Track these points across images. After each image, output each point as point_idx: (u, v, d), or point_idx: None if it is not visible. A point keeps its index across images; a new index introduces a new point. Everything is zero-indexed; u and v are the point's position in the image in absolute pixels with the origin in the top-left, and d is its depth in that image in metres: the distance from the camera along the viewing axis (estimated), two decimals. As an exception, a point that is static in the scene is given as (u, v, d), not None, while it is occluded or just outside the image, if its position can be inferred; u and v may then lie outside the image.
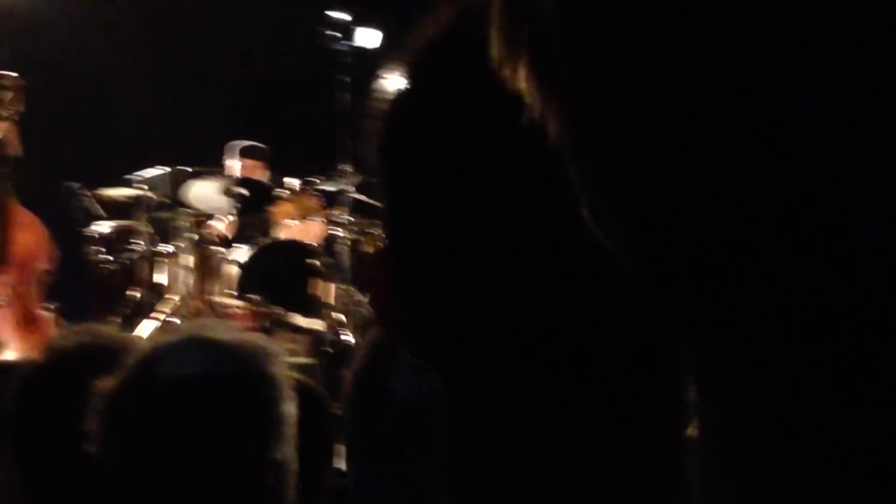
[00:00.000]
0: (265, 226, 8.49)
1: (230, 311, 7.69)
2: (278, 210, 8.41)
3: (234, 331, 1.78)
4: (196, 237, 8.14)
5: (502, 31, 0.60)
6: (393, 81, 0.91)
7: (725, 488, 0.55)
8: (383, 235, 0.89)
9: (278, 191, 8.54)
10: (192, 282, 7.94)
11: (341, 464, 2.14)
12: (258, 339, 1.79)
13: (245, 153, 8.95)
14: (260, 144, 9.01)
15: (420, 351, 0.88)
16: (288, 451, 1.73)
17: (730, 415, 0.54)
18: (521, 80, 0.58)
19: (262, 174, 8.89)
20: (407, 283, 0.85)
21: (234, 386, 1.68)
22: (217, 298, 7.89)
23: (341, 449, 2.20)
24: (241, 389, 1.68)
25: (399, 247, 0.87)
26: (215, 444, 1.66)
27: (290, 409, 1.72)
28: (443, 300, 0.83)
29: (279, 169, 9.09)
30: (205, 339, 1.72)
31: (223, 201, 8.31)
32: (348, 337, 7.66)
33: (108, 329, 2.23)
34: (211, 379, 1.68)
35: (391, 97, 0.90)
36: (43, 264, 7.62)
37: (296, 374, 2.49)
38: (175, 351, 1.70)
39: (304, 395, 2.40)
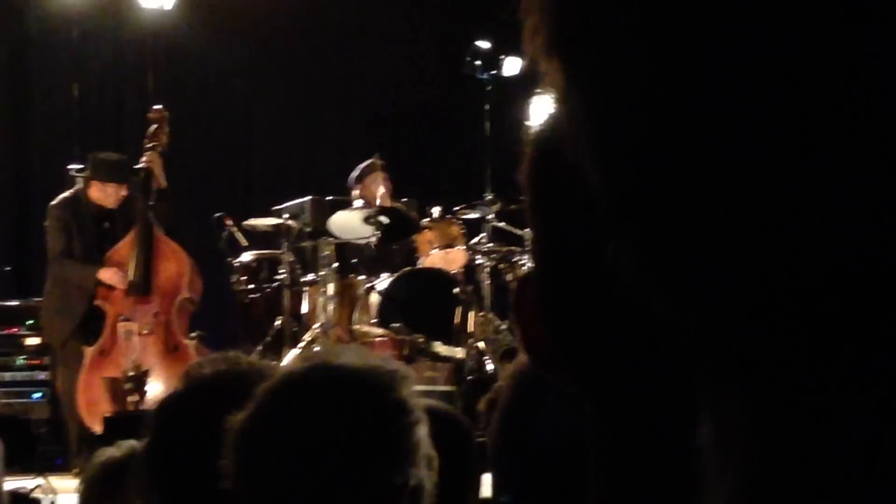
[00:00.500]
0: (407, 254, 8.51)
1: (371, 339, 7.72)
2: (421, 238, 8.43)
3: (363, 355, 1.75)
4: (338, 266, 8.20)
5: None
6: (540, 109, 0.91)
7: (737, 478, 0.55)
8: (530, 261, 0.90)
9: (421, 219, 8.55)
10: (333, 310, 7.98)
11: (487, 492, 2.10)
12: (387, 363, 1.75)
13: (360, 178, 8.81)
14: (370, 160, 8.85)
15: (566, 377, 0.87)
16: (423, 473, 1.69)
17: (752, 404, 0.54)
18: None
19: (385, 186, 8.73)
20: (554, 308, 0.84)
21: (363, 413, 1.65)
22: (358, 327, 7.93)
23: (487, 478, 2.17)
24: (369, 416, 1.65)
25: (546, 272, 0.85)
26: (348, 473, 1.63)
27: (421, 432, 1.68)
28: (590, 325, 0.82)
29: (422, 197, 9.11)
30: (333, 366, 1.70)
31: (366, 230, 8.35)
32: (489, 365, 7.63)
33: (246, 357, 2.21)
34: (340, 407, 1.65)
35: (539, 125, 0.91)
36: (187, 293, 7.77)
37: (440, 403, 2.46)
38: (303, 380, 1.68)
39: (448, 423, 2.36)
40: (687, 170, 0.52)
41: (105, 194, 7.75)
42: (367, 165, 8.75)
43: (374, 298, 7.96)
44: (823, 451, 0.51)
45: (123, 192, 7.79)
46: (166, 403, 2.12)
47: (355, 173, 8.78)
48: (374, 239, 8.44)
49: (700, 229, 0.53)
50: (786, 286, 0.50)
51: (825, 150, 0.49)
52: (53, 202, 7.83)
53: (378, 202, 8.49)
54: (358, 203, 8.60)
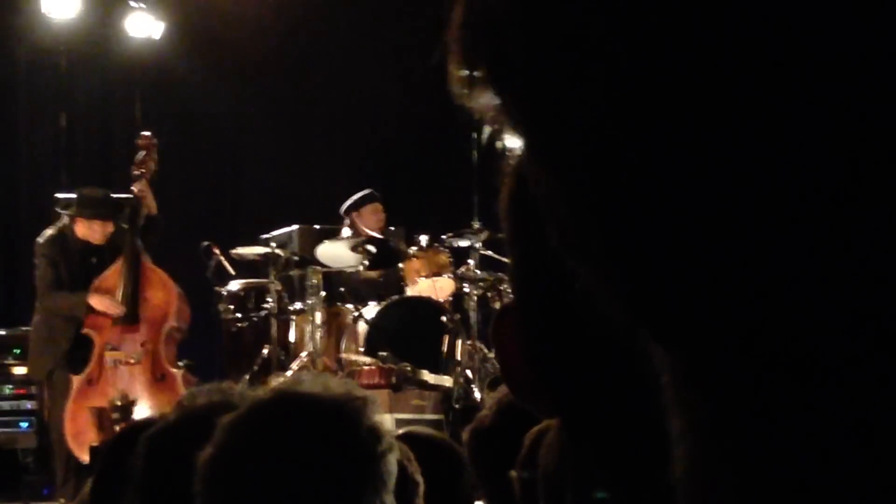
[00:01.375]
0: (395, 282, 8.52)
1: (359, 367, 7.71)
2: (408, 266, 8.43)
3: (329, 384, 1.75)
4: (325, 294, 8.20)
5: (461, 54, 0.62)
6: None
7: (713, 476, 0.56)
8: (510, 291, 0.89)
9: (408, 248, 8.57)
10: (320, 339, 7.98)
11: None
12: (354, 390, 1.75)
13: (358, 205, 8.86)
14: (367, 191, 8.92)
15: (544, 407, 0.88)
16: (389, 499, 1.68)
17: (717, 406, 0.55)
18: (479, 102, 0.61)
19: (380, 218, 8.81)
20: (532, 338, 0.85)
21: (332, 442, 1.65)
22: (346, 355, 7.92)
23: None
24: (338, 444, 1.65)
25: (524, 302, 0.86)
26: (319, 503, 1.62)
27: (393, 459, 1.68)
28: (566, 355, 0.83)
29: (410, 225, 9.13)
30: (298, 395, 1.69)
31: (353, 258, 8.36)
32: (477, 393, 7.62)
33: (238, 387, 2.22)
34: (307, 437, 1.64)
35: (518, 154, 0.91)
36: (174, 322, 7.75)
37: (429, 430, 2.47)
38: (268, 411, 1.67)
39: (437, 449, 2.37)
40: (641, 198, 0.54)
41: (91, 231, 7.70)
42: (364, 197, 8.79)
43: (362, 327, 7.96)
44: (784, 473, 0.53)
45: (110, 229, 7.74)
46: (158, 433, 2.12)
47: (349, 203, 8.81)
48: (361, 268, 8.45)
49: (654, 256, 0.55)
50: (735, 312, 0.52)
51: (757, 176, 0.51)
52: (40, 239, 7.74)
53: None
54: (346, 232, 8.63)
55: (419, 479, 1.88)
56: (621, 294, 0.58)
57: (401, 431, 2.37)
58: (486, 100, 0.61)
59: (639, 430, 0.83)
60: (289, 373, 7.71)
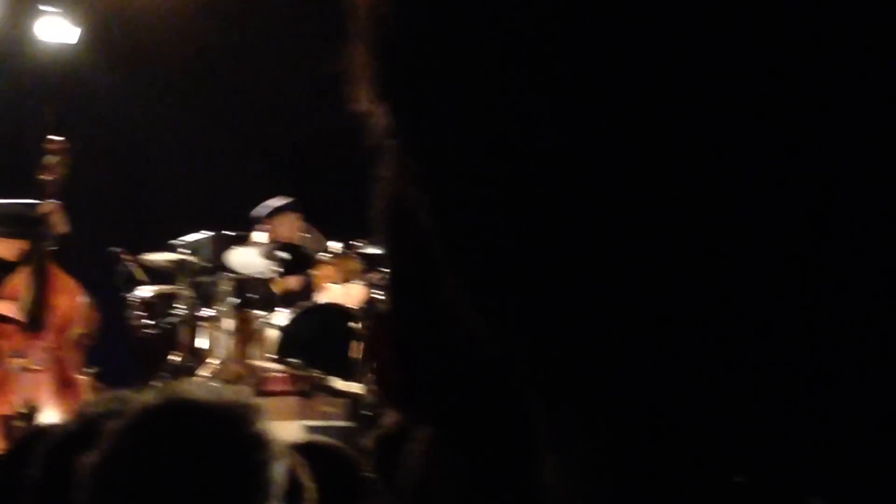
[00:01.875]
0: (306, 289, 8.50)
1: (269, 374, 7.68)
2: (320, 273, 8.42)
3: (217, 391, 1.74)
4: (237, 301, 8.16)
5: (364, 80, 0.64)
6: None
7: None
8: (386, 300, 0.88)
9: (320, 254, 8.55)
10: (231, 345, 7.94)
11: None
12: (242, 397, 1.75)
13: (276, 213, 8.89)
14: (287, 200, 8.93)
15: (416, 415, 0.89)
16: None
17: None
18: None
19: (298, 227, 8.85)
20: (404, 347, 0.85)
21: (214, 448, 1.65)
22: (256, 362, 7.89)
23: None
24: (220, 451, 1.65)
25: (397, 311, 0.86)
26: None
27: (278, 468, 1.68)
28: (437, 365, 0.83)
29: (321, 232, 9.10)
30: (184, 401, 1.69)
31: (265, 265, 8.33)
32: (388, 401, 7.62)
33: (139, 395, 2.21)
34: (189, 443, 1.64)
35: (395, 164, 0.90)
36: (81, 329, 7.65)
37: (323, 437, 2.47)
38: (152, 417, 1.67)
39: (330, 456, 2.38)
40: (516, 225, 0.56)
41: (4, 247, 7.60)
42: (285, 205, 8.80)
43: (273, 333, 7.93)
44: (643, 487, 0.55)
45: (25, 246, 7.62)
46: (55, 441, 2.11)
47: (268, 209, 8.81)
48: (273, 274, 8.43)
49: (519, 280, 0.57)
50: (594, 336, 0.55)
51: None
52: None
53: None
54: (259, 238, 8.60)
55: (310, 486, 1.88)
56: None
57: (298, 440, 2.37)
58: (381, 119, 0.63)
59: (504, 438, 0.84)
60: (195, 381, 7.65)
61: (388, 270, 0.88)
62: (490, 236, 0.57)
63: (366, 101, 0.62)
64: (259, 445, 1.66)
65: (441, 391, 0.84)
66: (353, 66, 0.64)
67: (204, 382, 1.96)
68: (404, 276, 0.87)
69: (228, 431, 1.65)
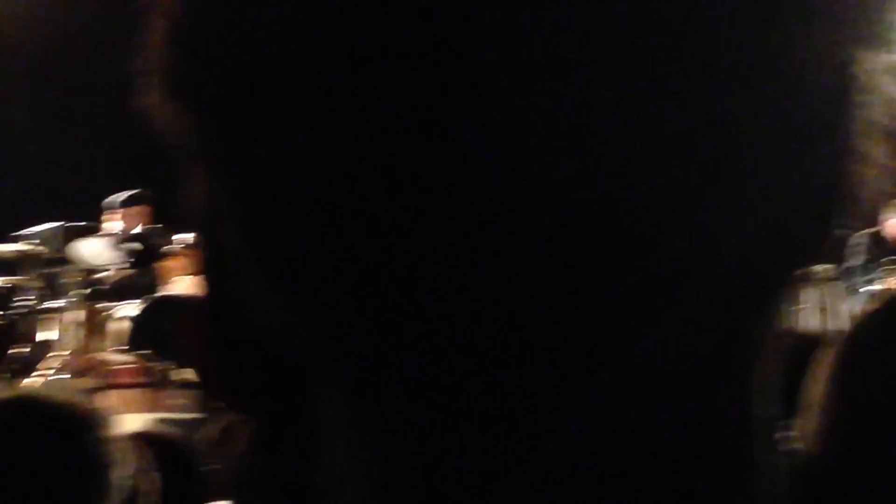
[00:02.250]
0: (155, 281, 8.42)
1: (118, 366, 7.60)
2: (169, 265, 8.35)
3: (63, 389, 1.73)
4: (85, 293, 8.05)
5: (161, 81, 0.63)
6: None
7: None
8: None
9: (169, 246, 8.48)
10: (78, 337, 7.83)
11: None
12: (85, 402, 1.74)
13: (126, 204, 8.80)
14: (137, 191, 8.85)
15: (230, 402, 0.89)
16: None
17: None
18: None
19: (147, 220, 8.77)
20: (215, 337, 0.85)
21: (52, 448, 1.64)
22: (105, 354, 7.79)
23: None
24: (57, 451, 1.64)
25: (211, 304, 0.87)
26: None
27: (118, 470, 1.68)
28: (240, 353, 0.84)
29: (171, 224, 9.02)
30: (18, 401, 1.68)
31: (114, 256, 8.23)
32: (239, 392, 7.59)
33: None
34: (25, 442, 1.64)
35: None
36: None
37: (167, 429, 2.48)
38: None
39: (172, 451, 2.38)
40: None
41: None
42: (132, 197, 8.69)
43: (122, 325, 7.85)
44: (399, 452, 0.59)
45: None
46: None
47: (117, 200, 8.70)
48: (123, 265, 8.33)
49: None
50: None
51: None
52: None
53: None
54: (108, 229, 8.50)
55: (152, 479, 1.88)
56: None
57: (136, 431, 2.36)
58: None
59: (304, 428, 0.86)
60: (42, 373, 7.55)
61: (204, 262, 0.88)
62: (278, 235, 0.58)
63: (157, 98, 0.63)
64: (100, 445, 1.65)
65: (245, 378, 0.85)
66: (148, 62, 0.63)
67: (52, 380, 1.93)
68: (214, 268, 0.87)
69: (69, 432, 1.64)
